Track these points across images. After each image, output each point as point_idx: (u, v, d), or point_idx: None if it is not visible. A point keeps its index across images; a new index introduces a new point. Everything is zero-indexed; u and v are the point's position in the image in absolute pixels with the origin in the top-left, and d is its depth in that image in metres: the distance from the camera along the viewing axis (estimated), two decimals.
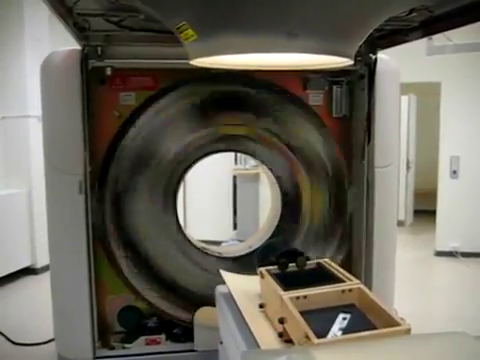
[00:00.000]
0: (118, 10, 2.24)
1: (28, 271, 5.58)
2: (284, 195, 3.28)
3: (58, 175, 2.90)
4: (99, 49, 2.82)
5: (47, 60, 2.91)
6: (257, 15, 1.58)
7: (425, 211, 8.44)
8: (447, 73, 6.21)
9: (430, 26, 2.50)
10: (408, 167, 8.41)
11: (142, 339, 3.13)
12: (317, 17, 1.59)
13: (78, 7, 2.21)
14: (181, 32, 1.74)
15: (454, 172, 6.46)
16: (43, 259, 5.24)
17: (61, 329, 3.07)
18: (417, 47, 4.01)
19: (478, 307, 4.69)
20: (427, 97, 8.06)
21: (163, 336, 3.17)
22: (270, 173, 3.29)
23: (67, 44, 2.88)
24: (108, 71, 2.93)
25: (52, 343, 3.33)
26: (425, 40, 4.61)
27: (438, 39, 4.20)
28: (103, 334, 3.14)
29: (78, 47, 2.83)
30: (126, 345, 3.12)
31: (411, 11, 2.22)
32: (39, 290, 4.89)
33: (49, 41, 5.46)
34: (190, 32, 1.71)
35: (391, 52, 3.05)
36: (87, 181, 2.88)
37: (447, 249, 6.48)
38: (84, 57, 2.81)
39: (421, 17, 2.40)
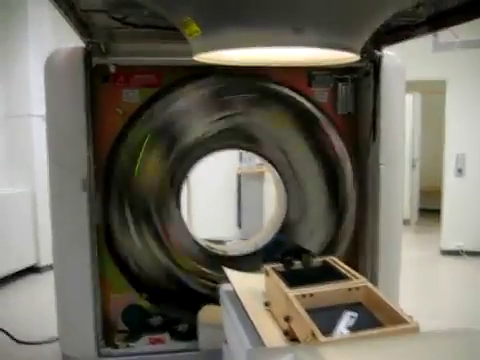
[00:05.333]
0: (122, 6, 2.23)
1: (32, 270, 5.58)
2: (289, 193, 3.26)
3: (62, 173, 2.89)
4: (103, 46, 2.81)
5: (50, 57, 2.90)
6: (262, 9, 1.56)
7: (430, 210, 8.40)
8: (452, 71, 6.18)
9: (436, 21, 2.47)
10: (413, 165, 8.37)
11: (146, 338, 3.12)
12: (323, 11, 1.57)
13: (81, 3, 2.20)
14: (185, 27, 1.73)
15: (459, 170, 6.42)
16: (47, 258, 5.24)
17: (65, 328, 3.06)
18: (422, 45, 3.99)
19: None
20: (432, 95, 8.02)
21: (167, 335, 3.15)
22: (275, 171, 3.27)
23: (71, 42, 2.87)
24: (112, 68, 2.91)
25: (56, 342, 3.32)
26: (430, 38, 4.58)
27: (444, 35, 4.16)
28: (107, 333, 3.13)
29: (81, 44, 2.82)
30: (130, 344, 3.10)
31: (418, 6, 2.20)
32: (43, 289, 4.88)
33: (53, 40, 5.44)
34: (194, 27, 1.69)
35: (396, 50, 3.03)
36: (91, 179, 2.86)
37: (452, 248, 6.45)
38: (87, 54, 2.79)
39: (428, 12, 2.37)
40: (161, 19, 2.00)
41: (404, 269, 3.32)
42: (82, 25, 2.55)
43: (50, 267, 4.36)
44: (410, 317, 1.50)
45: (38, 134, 5.22)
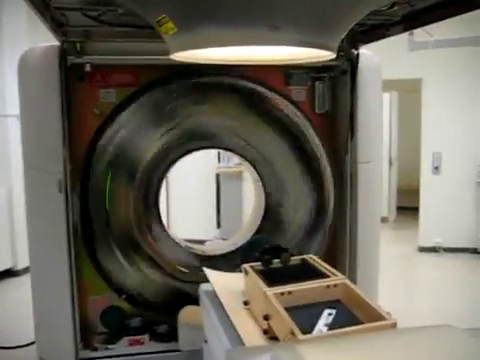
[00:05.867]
0: (96, 4, 2.20)
1: (9, 273, 5.49)
2: (267, 193, 3.26)
3: (37, 174, 2.85)
4: (78, 45, 2.79)
5: (24, 57, 2.85)
6: (238, 7, 1.56)
7: (408, 207, 8.50)
8: (428, 69, 6.26)
9: (411, 20, 2.50)
10: (391, 164, 8.45)
11: (125, 339, 3.09)
12: (299, 9, 1.57)
13: (55, 1, 2.17)
14: (161, 25, 1.71)
15: (436, 168, 6.50)
16: (24, 261, 5.13)
17: (42, 331, 3.02)
18: (398, 44, 4.03)
19: (461, 301, 4.74)
20: (409, 94, 8.11)
21: (147, 336, 3.13)
22: (253, 171, 3.26)
23: (46, 42, 2.82)
24: (87, 68, 2.87)
25: (33, 346, 3.27)
26: (406, 37, 4.62)
27: (419, 35, 4.21)
28: (86, 335, 3.09)
29: (56, 43, 2.77)
30: (109, 346, 3.07)
31: (393, 5, 2.21)
32: (20, 292, 4.80)
33: (27, 39, 5.36)
34: (170, 25, 1.68)
35: (372, 49, 3.05)
36: (67, 180, 2.82)
37: (430, 245, 6.53)
38: (62, 53, 2.76)
39: (403, 11, 2.40)
40: (137, 17, 1.98)
41: (383, 266, 3.34)
42: (56, 23, 2.52)
43: (27, 270, 4.29)
44: (388, 314, 1.51)
45: (14, 134, 5.13)
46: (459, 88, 6.29)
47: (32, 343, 3.33)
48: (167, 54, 1.83)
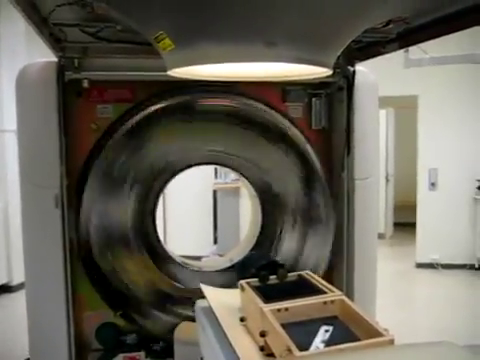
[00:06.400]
0: (94, 20, 2.22)
1: (4, 289, 5.45)
2: (264, 209, 3.25)
3: (34, 189, 2.84)
4: (76, 61, 2.79)
5: (22, 72, 2.86)
6: (235, 24, 1.57)
7: (405, 223, 8.50)
8: (423, 86, 6.31)
9: (407, 38, 2.52)
10: (387, 180, 8.48)
11: (121, 356, 3.06)
12: (295, 26, 1.58)
13: (54, 17, 2.17)
14: (158, 42, 1.72)
15: (432, 184, 6.53)
16: (19, 276, 5.12)
17: (37, 347, 2.98)
18: (393, 61, 4.07)
19: (458, 318, 4.72)
20: (404, 111, 8.17)
21: (143, 353, 3.10)
22: (250, 187, 3.27)
23: (44, 56, 2.84)
24: (85, 83, 2.88)
25: None
26: (402, 54, 4.66)
27: (414, 52, 4.25)
28: (81, 352, 3.06)
29: (54, 59, 2.79)
30: None
31: (388, 23, 2.23)
32: (15, 308, 4.78)
33: (25, 54, 5.40)
34: (167, 42, 1.69)
35: (368, 66, 3.08)
36: (64, 195, 2.82)
37: (427, 261, 6.53)
38: (60, 69, 2.77)
39: (398, 29, 2.42)
40: (134, 34, 2.00)
41: (380, 282, 3.33)
42: (54, 39, 2.53)
43: (23, 286, 4.26)
44: (385, 330, 1.50)
45: (11, 149, 5.13)
46: (455, 105, 6.34)
47: (27, 359, 3.30)
48: (164, 70, 1.84)
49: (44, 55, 2.82)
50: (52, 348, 2.90)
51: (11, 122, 4.97)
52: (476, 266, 6.39)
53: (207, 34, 1.61)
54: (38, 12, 2.11)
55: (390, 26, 2.31)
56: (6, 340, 4.09)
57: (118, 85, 3.02)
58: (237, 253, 3.46)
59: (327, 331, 1.57)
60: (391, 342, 1.44)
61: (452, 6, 2.06)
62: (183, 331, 2.99)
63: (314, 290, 1.84)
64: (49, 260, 2.83)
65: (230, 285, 2.27)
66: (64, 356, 2.88)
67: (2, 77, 5.40)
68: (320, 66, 1.73)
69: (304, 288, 1.88)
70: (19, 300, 4.67)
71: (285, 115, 3.21)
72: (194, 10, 1.58)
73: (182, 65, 1.76)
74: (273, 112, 3.15)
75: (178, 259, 3.31)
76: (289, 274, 2.03)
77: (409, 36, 2.50)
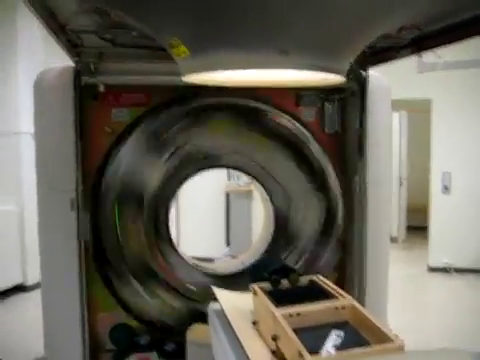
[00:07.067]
0: (111, 27, 2.25)
1: (19, 289, 5.52)
2: (276, 212, 3.27)
3: (50, 192, 2.89)
4: (92, 65, 2.83)
5: (40, 77, 2.91)
6: (249, 32, 1.60)
7: (418, 227, 8.46)
8: (438, 90, 6.28)
9: (420, 43, 2.52)
10: (400, 183, 8.44)
11: (134, 357, 3.10)
12: (308, 34, 1.60)
13: (71, 24, 2.22)
14: (173, 48, 1.76)
15: (446, 188, 6.49)
16: (34, 277, 5.20)
17: (52, 347, 3.03)
18: (408, 65, 4.06)
19: (471, 323, 4.69)
20: (418, 114, 8.13)
21: (155, 353, 3.13)
22: (263, 190, 3.29)
23: (61, 58, 2.88)
24: (101, 87, 2.92)
25: None
26: (416, 58, 4.65)
27: (428, 56, 4.24)
28: (95, 352, 3.10)
29: (71, 64, 2.83)
30: None
31: (401, 29, 2.24)
32: (29, 308, 4.84)
33: (43, 57, 5.46)
34: (182, 48, 1.72)
35: (382, 69, 3.08)
36: (79, 198, 2.86)
37: (440, 265, 6.49)
38: (77, 73, 2.81)
39: (411, 35, 2.42)
40: (150, 39, 2.03)
41: (392, 286, 3.33)
42: (72, 45, 2.57)
43: (37, 286, 4.32)
44: (396, 335, 1.51)
45: (26, 152, 5.20)
46: (469, 109, 6.31)
47: (42, 359, 3.35)
48: (179, 75, 1.87)
49: (61, 59, 2.86)
50: (67, 348, 2.94)
51: (28, 125, 5.07)
52: None
53: (221, 41, 1.64)
54: (56, 19, 2.15)
55: (403, 32, 2.32)
56: (20, 339, 4.15)
57: (134, 89, 3.05)
58: (249, 256, 3.48)
59: (338, 336, 1.59)
60: (401, 348, 1.46)
61: (465, 13, 2.06)
62: (195, 332, 3.01)
63: (325, 295, 1.86)
64: (64, 262, 2.87)
65: (242, 288, 2.30)
66: (78, 356, 2.93)
67: (19, 80, 5.47)
68: (333, 73, 1.75)
69: (315, 293, 1.89)
70: (33, 300, 4.74)
71: (298, 118, 3.23)
72: (209, 18, 1.61)
73: (196, 71, 1.78)
74: (281, 113, 3.17)
75: (191, 261, 3.34)
76: (301, 278, 2.05)
77: (422, 42, 2.50)
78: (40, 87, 2.91)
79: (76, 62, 2.81)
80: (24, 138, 5.43)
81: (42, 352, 3.16)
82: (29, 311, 4.71)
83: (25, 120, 5.26)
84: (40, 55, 5.52)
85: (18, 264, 5.52)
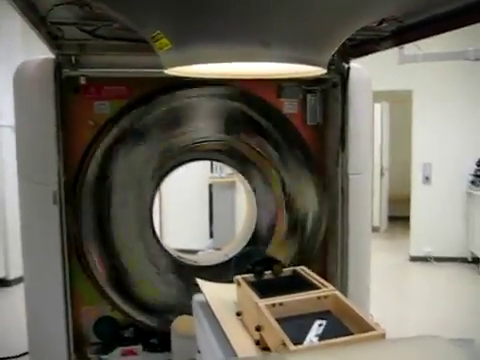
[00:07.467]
0: (92, 19, 2.23)
1: (1, 283, 5.47)
2: (259, 203, 3.29)
3: (32, 185, 2.86)
4: (73, 58, 2.81)
5: (20, 69, 2.88)
6: (230, 25, 1.60)
7: (399, 217, 8.55)
8: (418, 81, 6.34)
9: (400, 36, 2.55)
10: (382, 174, 8.52)
11: (119, 350, 3.10)
12: (290, 27, 1.61)
13: (51, 16, 2.19)
14: (155, 41, 1.75)
15: (427, 178, 6.57)
16: (16, 271, 5.15)
17: (35, 342, 3.01)
18: (388, 56, 4.09)
19: (451, 311, 4.77)
20: (400, 104, 8.19)
21: (140, 346, 3.14)
22: (245, 182, 3.30)
23: (41, 53, 2.85)
24: (82, 80, 2.91)
25: (26, 356, 3.27)
26: (396, 49, 4.69)
27: (409, 48, 4.28)
28: (79, 346, 3.10)
29: (51, 56, 2.80)
30: (103, 356, 3.08)
31: (382, 21, 2.26)
32: (12, 302, 4.80)
33: (22, 50, 5.38)
34: (164, 41, 1.71)
35: (363, 61, 3.11)
36: (61, 191, 2.84)
37: (421, 254, 6.58)
38: (57, 66, 2.79)
39: (392, 27, 2.45)
40: (132, 32, 2.02)
41: (374, 276, 3.38)
42: (52, 37, 2.54)
43: (19, 280, 4.29)
44: (377, 324, 1.54)
45: (7, 145, 5.13)
46: (449, 100, 6.38)
47: (25, 354, 3.33)
48: (160, 68, 1.87)
49: (41, 51, 2.83)
50: (51, 342, 2.93)
51: (8, 118, 5.00)
52: (469, 259, 6.45)
53: (203, 34, 1.64)
54: (36, 11, 2.13)
55: (384, 25, 2.34)
56: (3, 334, 4.12)
57: (115, 82, 3.04)
58: (233, 247, 3.50)
59: (321, 325, 1.61)
60: (382, 336, 1.48)
61: (444, 6, 2.09)
62: (180, 324, 3.02)
63: (308, 285, 1.88)
64: (47, 256, 2.86)
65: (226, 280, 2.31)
66: (63, 350, 2.92)
67: None
68: (314, 65, 1.76)
69: (298, 283, 1.91)
70: (16, 294, 4.71)
71: (280, 111, 3.24)
72: (191, 11, 1.61)
73: (178, 64, 1.78)
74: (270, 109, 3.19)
75: (174, 253, 3.35)
76: (284, 269, 2.07)
77: (403, 34, 2.53)
78: (20, 79, 2.88)
79: (57, 54, 2.78)
80: (5, 131, 5.36)
81: (25, 347, 3.15)
82: (12, 306, 4.67)
83: (6, 113, 5.19)
84: (19, 48, 5.43)
85: (0, 258, 5.46)
